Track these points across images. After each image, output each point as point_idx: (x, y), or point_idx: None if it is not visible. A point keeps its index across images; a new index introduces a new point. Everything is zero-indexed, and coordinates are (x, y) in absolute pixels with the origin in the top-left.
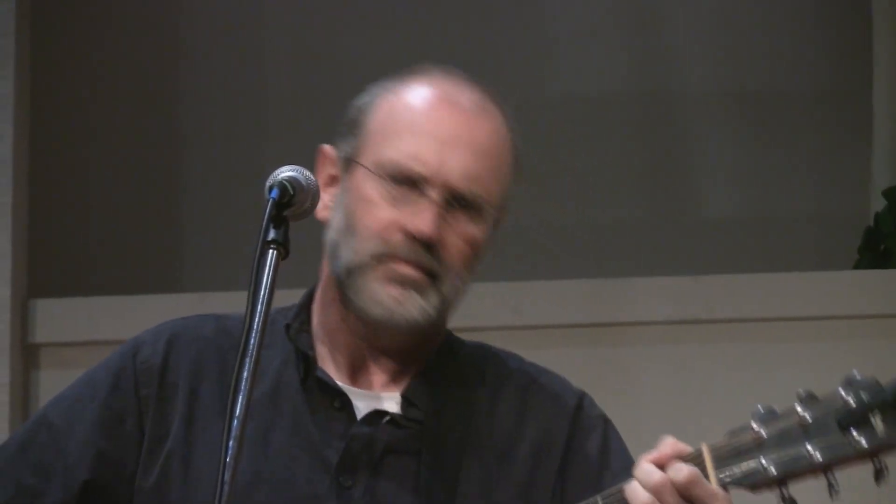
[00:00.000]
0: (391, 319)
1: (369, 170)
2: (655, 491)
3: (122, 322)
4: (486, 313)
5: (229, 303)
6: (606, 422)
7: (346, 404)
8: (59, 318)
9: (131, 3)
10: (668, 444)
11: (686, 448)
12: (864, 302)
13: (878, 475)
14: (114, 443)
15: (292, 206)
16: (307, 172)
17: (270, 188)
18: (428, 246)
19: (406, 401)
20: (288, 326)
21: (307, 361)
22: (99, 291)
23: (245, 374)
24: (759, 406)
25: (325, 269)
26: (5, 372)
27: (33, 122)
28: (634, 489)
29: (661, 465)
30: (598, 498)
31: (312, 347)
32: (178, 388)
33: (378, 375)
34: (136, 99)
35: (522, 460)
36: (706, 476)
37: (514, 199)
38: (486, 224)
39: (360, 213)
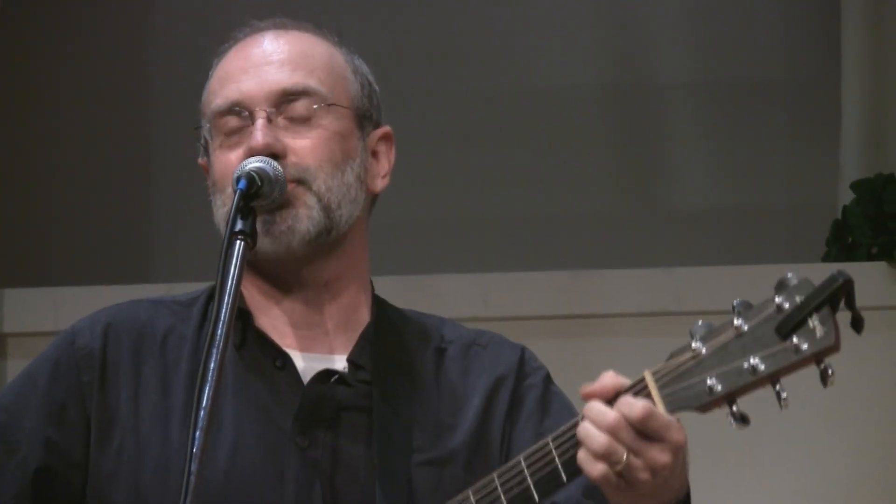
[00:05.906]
0: (283, 243)
1: (210, 130)
2: (611, 430)
3: (90, 312)
4: (454, 304)
5: None
6: (546, 372)
7: (287, 363)
8: (27, 308)
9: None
10: (609, 377)
11: (626, 381)
12: None
13: (824, 377)
14: (60, 431)
15: (260, 196)
16: (275, 163)
17: (238, 179)
18: (274, 157)
19: (353, 364)
20: None
21: (244, 319)
22: (68, 282)
23: (212, 364)
24: (697, 322)
25: None
26: None
27: None
28: (588, 431)
29: (609, 402)
30: (550, 440)
31: (248, 308)
32: (121, 370)
33: (319, 343)
34: (105, 89)
35: (475, 409)
36: (653, 402)
37: (485, 190)
38: (332, 118)
39: (216, 172)
